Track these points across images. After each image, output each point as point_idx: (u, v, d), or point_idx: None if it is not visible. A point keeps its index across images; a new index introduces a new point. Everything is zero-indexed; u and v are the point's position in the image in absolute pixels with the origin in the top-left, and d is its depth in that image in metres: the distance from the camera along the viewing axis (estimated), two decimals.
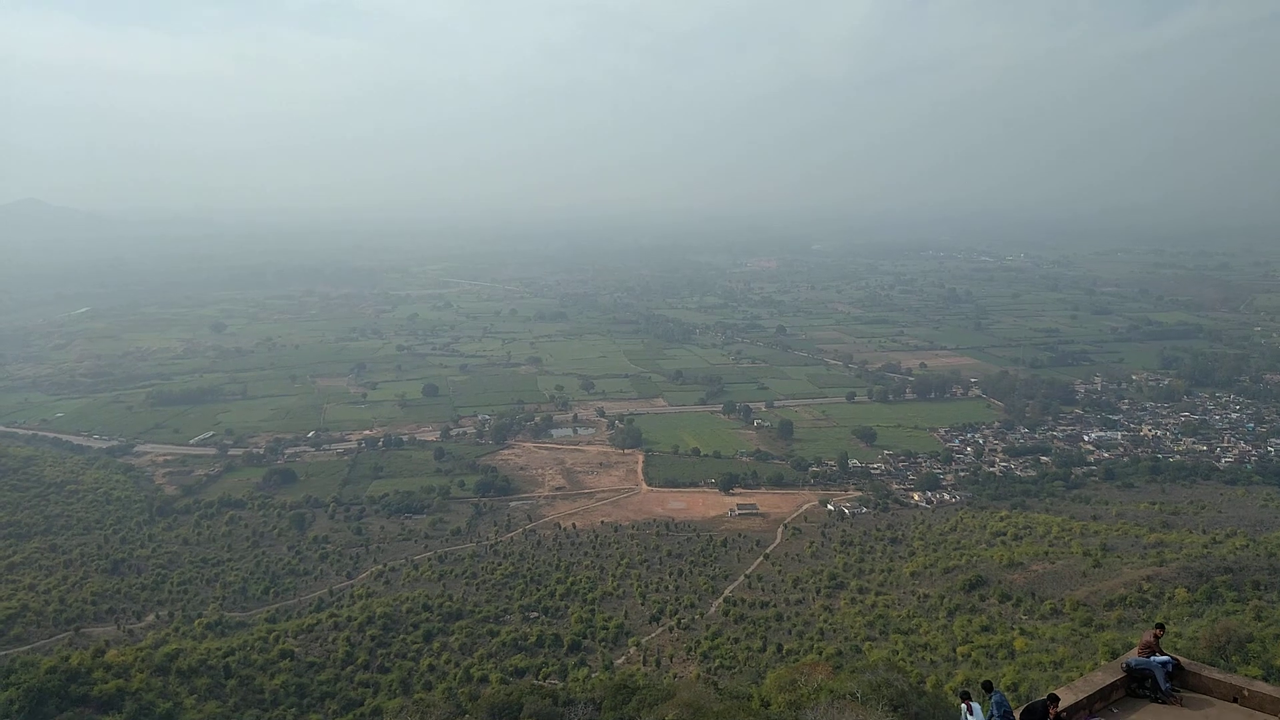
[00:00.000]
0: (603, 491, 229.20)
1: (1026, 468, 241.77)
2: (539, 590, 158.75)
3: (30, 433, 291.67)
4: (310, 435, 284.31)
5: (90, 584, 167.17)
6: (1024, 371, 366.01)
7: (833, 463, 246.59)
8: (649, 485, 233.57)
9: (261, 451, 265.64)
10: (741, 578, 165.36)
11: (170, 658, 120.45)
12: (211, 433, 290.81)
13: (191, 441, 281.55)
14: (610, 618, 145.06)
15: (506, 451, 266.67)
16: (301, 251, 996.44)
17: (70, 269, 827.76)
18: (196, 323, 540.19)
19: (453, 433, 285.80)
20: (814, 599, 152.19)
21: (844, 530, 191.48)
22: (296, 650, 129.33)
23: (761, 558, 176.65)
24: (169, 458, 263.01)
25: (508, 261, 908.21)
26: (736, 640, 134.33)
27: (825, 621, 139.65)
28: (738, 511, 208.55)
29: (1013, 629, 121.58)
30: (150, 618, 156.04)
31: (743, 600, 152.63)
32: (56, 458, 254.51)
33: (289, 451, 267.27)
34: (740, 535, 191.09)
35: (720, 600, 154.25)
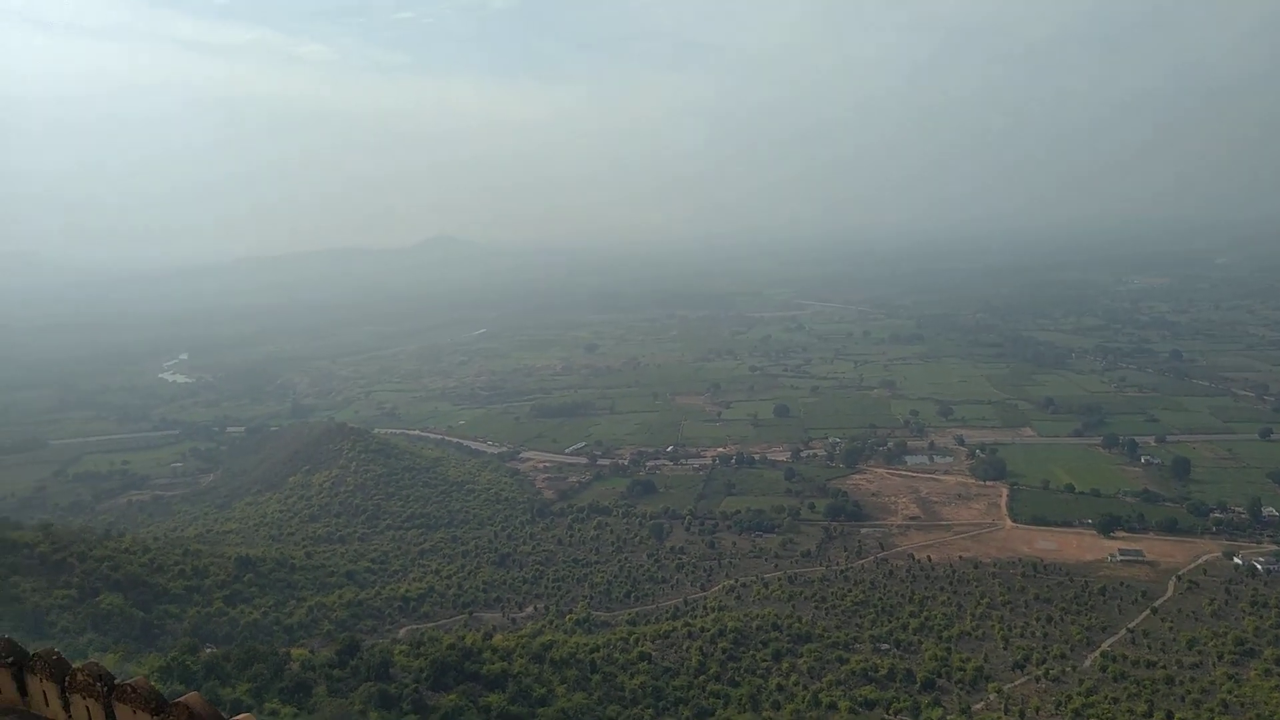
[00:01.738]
0: (961, 524, 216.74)
1: None
2: (890, 621, 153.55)
3: (439, 437, 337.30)
4: (669, 450, 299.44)
5: (482, 573, 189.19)
6: None
7: (1240, 509, 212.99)
8: (1014, 521, 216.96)
9: (626, 463, 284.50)
10: (1123, 631, 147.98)
11: (546, 647, 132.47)
12: (583, 443, 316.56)
13: (566, 451, 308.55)
14: (968, 659, 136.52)
15: (858, 476, 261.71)
16: (662, 276, 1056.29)
17: (472, 295, 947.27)
18: (572, 343, 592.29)
19: (803, 454, 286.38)
20: (1215, 665, 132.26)
21: (1255, 589, 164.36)
22: (654, 654, 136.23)
23: (1148, 611, 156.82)
24: (548, 464, 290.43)
25: (859, 282, 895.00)
26: (1116, 700, 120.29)
27: (1230, 693, 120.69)
28: (1119, 557, 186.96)
29: None
30: (529, 609, 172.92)
31: (1124, 657, 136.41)
32: (458, 460, 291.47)
33: (650, 464, 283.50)
34: (1121, 584, 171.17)
35: (1096, 654, 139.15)
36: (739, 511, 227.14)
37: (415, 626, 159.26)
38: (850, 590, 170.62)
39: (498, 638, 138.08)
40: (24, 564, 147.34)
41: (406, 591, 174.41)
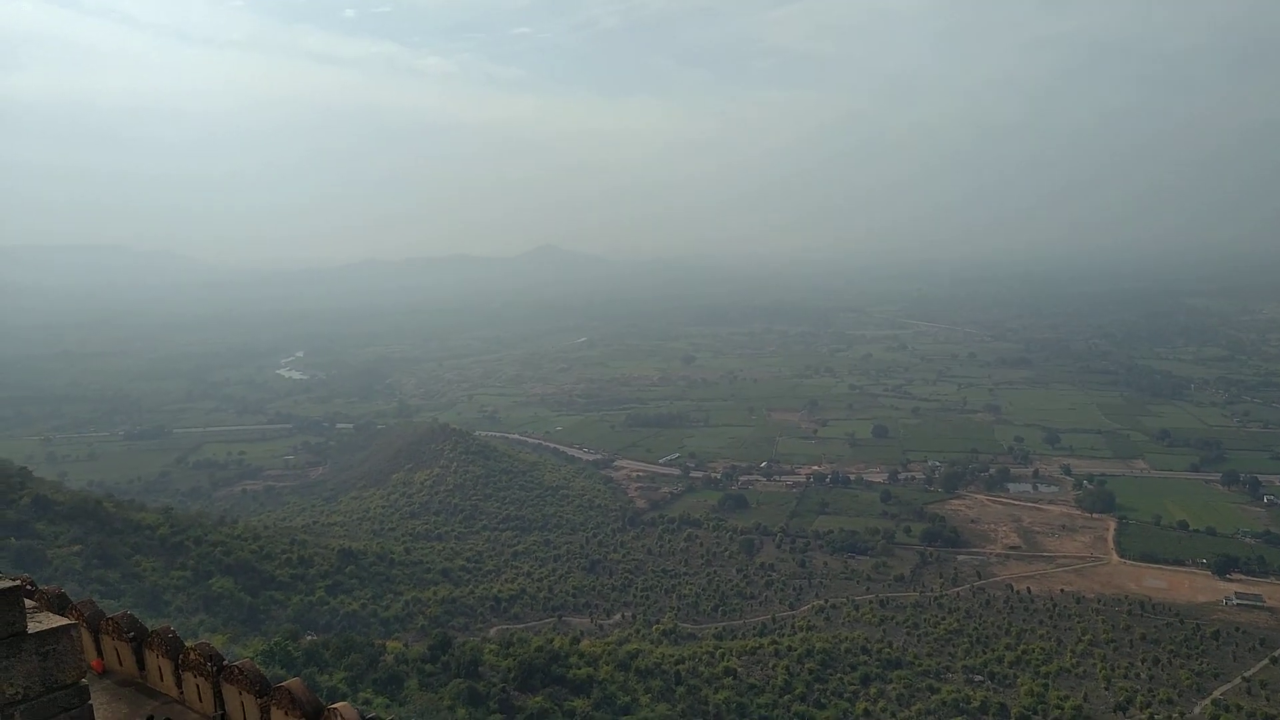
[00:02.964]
0: (1064, 557, 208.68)
1: None
2: (985, 653, 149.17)
3: (536, 442, 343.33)
4: (762, 465, 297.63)
5: (572, 578, 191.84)
6: None
7: None
8: (1121, 557, 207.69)
9: (718, 476, 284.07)
10: (1237, 679, 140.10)
11: (631, 656, 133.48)
12: (677, 454, 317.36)
13: (660, 461, 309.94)
14: (1066, 697, 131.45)
15: (956, 501, 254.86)
16: (760, 290, 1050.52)
17: (574, 304, 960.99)
18: (669, 354, 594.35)
19: (900, 476, 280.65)
20: None
21: None
22: (739, 669, 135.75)
23: (1267, 660, 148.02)
24: (640, 474, 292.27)
25: (966, 304, 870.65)
26: None
27: None
28: (1235, 601, 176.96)
29: None
30: (617, 616, 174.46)
31: (1238, 707, 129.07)
32: (554, 465, 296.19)
33: (742, 479, 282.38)
34: (1237, 629, 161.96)
35: (1207, 701, 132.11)
36: (831, 531, 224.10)
37: (505, 627, 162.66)
38: (944, 618, 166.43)
39: (585, 643, 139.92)
40: (146, 544, 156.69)
41: (498, 592, 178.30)
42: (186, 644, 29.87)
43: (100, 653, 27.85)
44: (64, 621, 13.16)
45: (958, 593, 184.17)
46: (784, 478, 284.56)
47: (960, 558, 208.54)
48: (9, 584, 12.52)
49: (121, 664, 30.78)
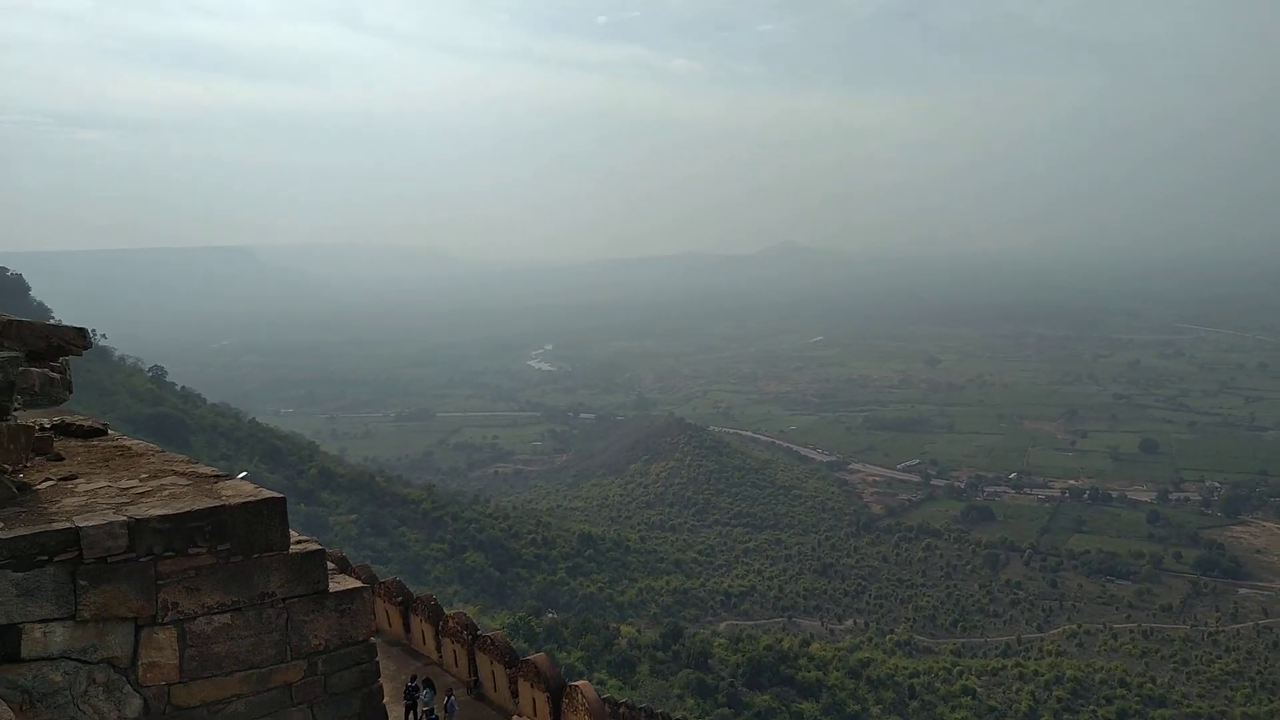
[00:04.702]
0: None
1: None
2: (1270, 701, 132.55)
3: (769, 440, 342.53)
4: (1011, 476, 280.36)
5: (803, 580, 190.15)
6: None
7: None
8: None
9: (962, 485, 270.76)
10: None
11: (863, 664, 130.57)
12: (917, 460, 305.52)
13: (898, 466, 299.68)
14: None
15: (1239, 528, 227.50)
16: (1011, 288, 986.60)
17: (812, 302, 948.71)
18: (911, 356, 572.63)
19: (1171, 496, 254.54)
20: None
21: None
22: (979, 689, 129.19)
23: None
24: (876, 478, 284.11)
25: (1259, 308, 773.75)
26: None
27: None
28: None
29: None
30: (849, 622, 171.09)
31: None
32: (787, 464, 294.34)
33: (988, 490, 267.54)
34: None
35: None
36: (1088, 551, 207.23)
37: (735, 622, 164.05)
38: (1220, 657, 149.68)
39: (815, 646, 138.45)
40: (410, 517, 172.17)
41: (729, 587, 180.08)
42: (446, 612, 32.85)
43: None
44: (358, 584, 15.05)
45: (1238, 630, 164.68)
46: (1035, 491, 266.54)
47: (1242, 591, 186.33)
48: (315, 547, 14.50)
49: (390, 625, 34.33)
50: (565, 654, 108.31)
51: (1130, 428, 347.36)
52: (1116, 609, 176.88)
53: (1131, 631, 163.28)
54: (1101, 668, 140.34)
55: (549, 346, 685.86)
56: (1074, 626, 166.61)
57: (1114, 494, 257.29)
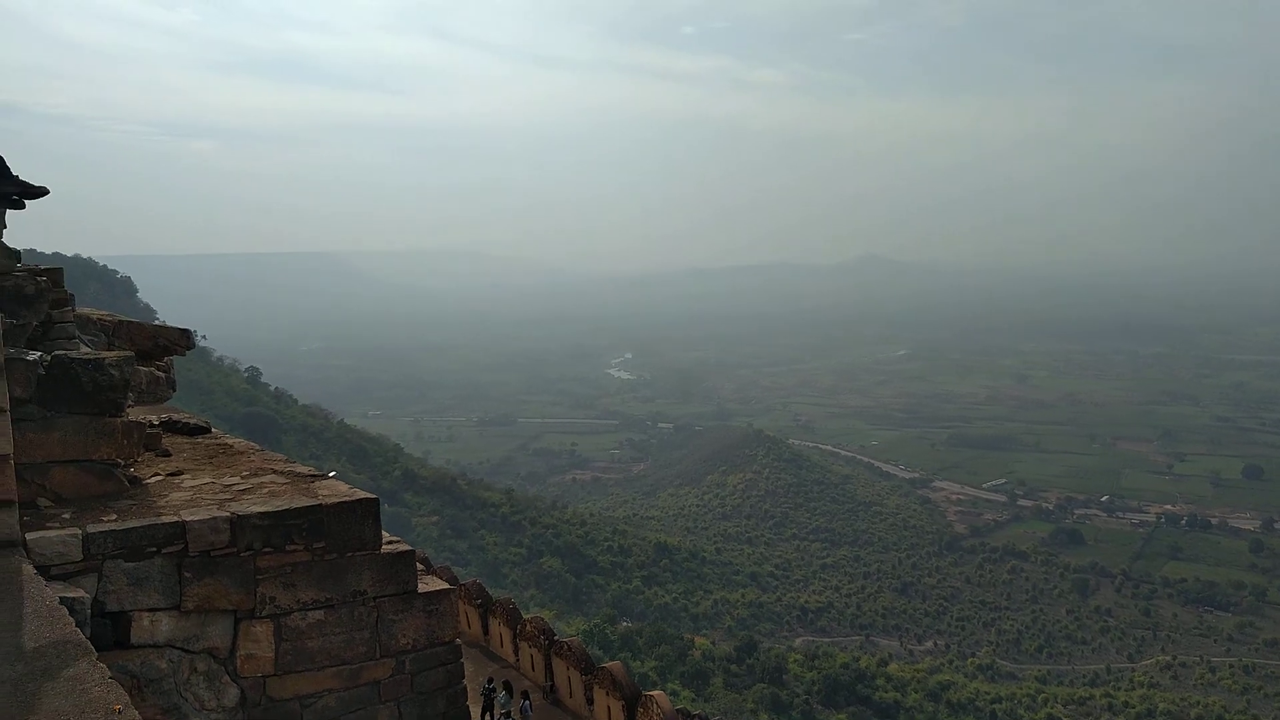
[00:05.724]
0: None
1: None
2: None
3: (850, 455, 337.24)
4: (1103, 499, 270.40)
5: (882, 598, 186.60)
6: None
7: None
8: None
9: (1050, 507, 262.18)
10: None
11: (943, 687, 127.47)
12: (1003, 480, 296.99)
13: (984, 486, 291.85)
14: None
15: None
16: (1105, 303, 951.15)
17: (894, 314, 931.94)
18: (999, 371, 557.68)
19: (1277, 525, 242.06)
20: None
21: None
22: (1064, 719, 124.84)
23: None
24: (960, 497, 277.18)
25: None
26: None
27: None
28: None
29: None
30: (929, 643, 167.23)
31: None
32: (867, 480, 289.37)
33: (1078, 512, 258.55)
34: None
35: None
36: (1185, 580, 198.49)
37: (811, 638, 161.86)
38: None
39: (893, 666, 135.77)
40: (490, 520, 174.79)
41: (805, 602, 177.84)
42: (524, 616, 33.24)
43: None
44: (445, 585, 15.39)
45: None
46: (1129, 515, 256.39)
47: None
48: (405, 548, 14.88)
49: (470, 627, 34.88)
50: (639, 663, 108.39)
51: (1232, 452, 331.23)
52: (1215, 641, 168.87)
53: (1231, 666, 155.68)
54: (1198, 702, 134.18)
55: (628, 355, 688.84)
56: (1168, 658, 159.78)
57: (1214, 521, 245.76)
